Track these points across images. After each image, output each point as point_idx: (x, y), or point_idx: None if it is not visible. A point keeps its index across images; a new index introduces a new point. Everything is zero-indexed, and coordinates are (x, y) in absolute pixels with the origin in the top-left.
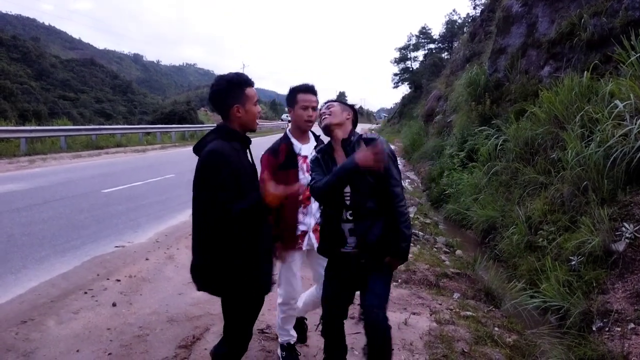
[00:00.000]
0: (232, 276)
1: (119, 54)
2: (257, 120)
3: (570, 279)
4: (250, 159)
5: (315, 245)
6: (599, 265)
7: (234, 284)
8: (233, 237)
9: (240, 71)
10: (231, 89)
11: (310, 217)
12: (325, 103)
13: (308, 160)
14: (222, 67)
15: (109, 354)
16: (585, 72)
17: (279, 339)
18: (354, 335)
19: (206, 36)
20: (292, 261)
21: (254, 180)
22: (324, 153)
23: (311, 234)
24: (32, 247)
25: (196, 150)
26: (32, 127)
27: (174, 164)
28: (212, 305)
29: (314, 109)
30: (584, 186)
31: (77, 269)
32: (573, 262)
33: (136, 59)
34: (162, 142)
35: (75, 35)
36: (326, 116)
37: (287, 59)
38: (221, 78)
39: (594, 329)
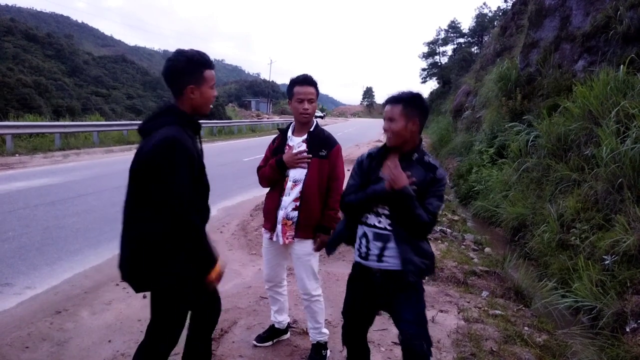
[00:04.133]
0: (171, 272)
1: (150, 50)
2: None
3: (604, 278)
4: (200, 146)
5: (281, 239)
6: (633, 264)
7: (174, 279)
8: (177, 235)
9: (268, 65)
10: (189, 68)
11: (280, 210)
12: (388, 105)
13: (293, 151)
14: (250, 62)
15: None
16: (621, 66)
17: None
18: (380, 332)
19: (235, 32)
20: (264, 246)
21: (203, 170)
22: (374, 158)
23: (278, 227)
24: (67, 239)
25: (143, 132)
26: (66, 123)
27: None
28: (239, 299)
29: (311, 101)
30: (619, 183)
31: (109, 262)
32: (607, 262)
33: (166, 55)
34: None
35: (107, 33)
36: (389, 135)
37: (315, 54)
38: (180, 54)
39: (627, 330)
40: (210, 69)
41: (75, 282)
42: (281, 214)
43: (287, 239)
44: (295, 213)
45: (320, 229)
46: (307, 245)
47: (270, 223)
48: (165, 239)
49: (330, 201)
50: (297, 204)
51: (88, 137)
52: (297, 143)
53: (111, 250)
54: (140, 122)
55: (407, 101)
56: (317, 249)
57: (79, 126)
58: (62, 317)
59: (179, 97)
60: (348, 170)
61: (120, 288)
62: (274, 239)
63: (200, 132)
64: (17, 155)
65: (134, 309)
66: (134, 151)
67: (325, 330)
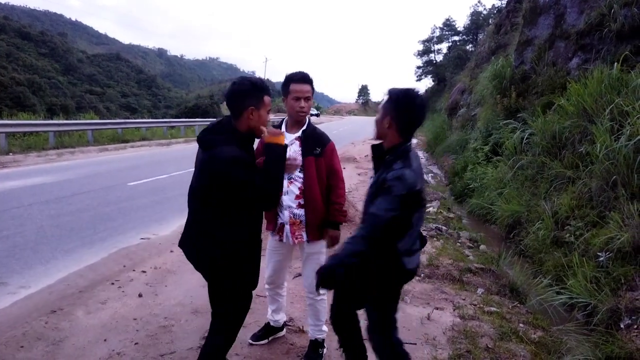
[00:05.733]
0: (233, 264)
1: (144, 48)
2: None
3: (598, 275)
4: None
5: (291, 240)
6: (627, 261)
7: (235, 271)
8: (242, 231)
9: (263, 64)
10: (253, 92)
11: (284, 210)
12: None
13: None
14: (245, 61)
15: (135, 343)
16: (615, 63)
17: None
18: None
19: (230, 30)
20: (270, 248)
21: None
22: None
23: (287, 227)
24: (61, 238)
25: (204, 144)
26: (60, 121)
27: None
28: None
29: (307, 99)
30: (613, 181)
31: (104, 260)
32: (601, 258)
33: (160, 53)
34: (186, 136)
35: (102, 31)
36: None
37: (310, 52)
38: (245, 79)
39: (622, 326)
40: (269, 95)
41: (70, 281)
42: (286, 213)
43: (296, 238)
44: (302, 211)
45: (329, 224)
46: (317, 244)
47: (273, 224)
48: (222, 231)
49: (333, 196)
50: (300, 201)
51: (82, 135)
52: (290, 140)
53: (105, 249)
54: (134, 120)
55: (389, 99)
56: (330, 246)
57: (73, 125)
58: (57, 317)
59: (238, 118)
60: (344, 167)
61: (115, 287)
62: (284, 240)
63: (253, 143)
64: (10, 154)
65: (129, 308)
66: (129, 149)
67: (325, 328)
